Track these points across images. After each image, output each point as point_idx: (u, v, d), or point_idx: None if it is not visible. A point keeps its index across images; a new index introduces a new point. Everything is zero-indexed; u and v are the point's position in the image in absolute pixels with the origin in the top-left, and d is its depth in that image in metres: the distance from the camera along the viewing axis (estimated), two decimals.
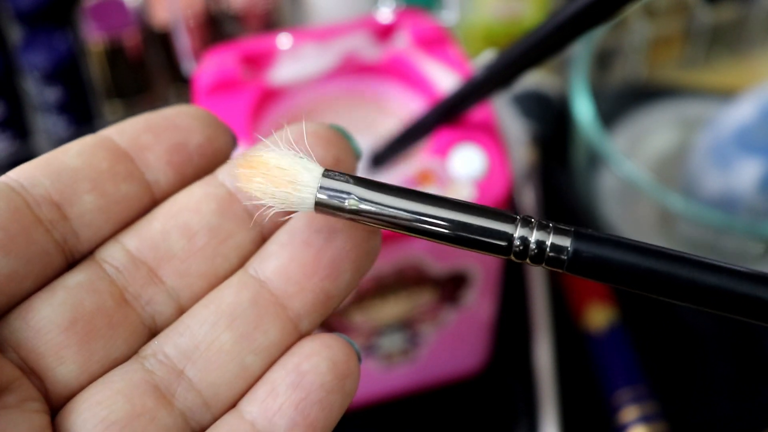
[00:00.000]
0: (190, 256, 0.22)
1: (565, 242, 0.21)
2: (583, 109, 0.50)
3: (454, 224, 0.21)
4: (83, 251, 0.22)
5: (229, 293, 0.22)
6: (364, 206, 0.21)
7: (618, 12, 0.29)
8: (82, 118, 0.52)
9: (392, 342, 0.42)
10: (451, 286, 0.41)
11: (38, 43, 0.49)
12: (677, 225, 0.51)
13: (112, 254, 0.22)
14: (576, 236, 0.21)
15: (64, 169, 0.22)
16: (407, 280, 0.39)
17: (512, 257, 0.21)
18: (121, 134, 0.23)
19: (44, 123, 0.53)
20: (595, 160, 0.52)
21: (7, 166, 0.53)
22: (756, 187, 0.49)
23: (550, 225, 0.21)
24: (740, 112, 0.51)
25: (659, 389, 0.45)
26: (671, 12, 0.59)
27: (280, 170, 0.21)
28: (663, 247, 0.21)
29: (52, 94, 0.50)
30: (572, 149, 0.55)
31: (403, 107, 0.42)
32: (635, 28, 0.58)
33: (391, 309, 0.40)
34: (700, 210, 0.47)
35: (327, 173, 0.22)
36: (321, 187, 0.21)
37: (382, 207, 0.22)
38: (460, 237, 0.21)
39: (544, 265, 0.21)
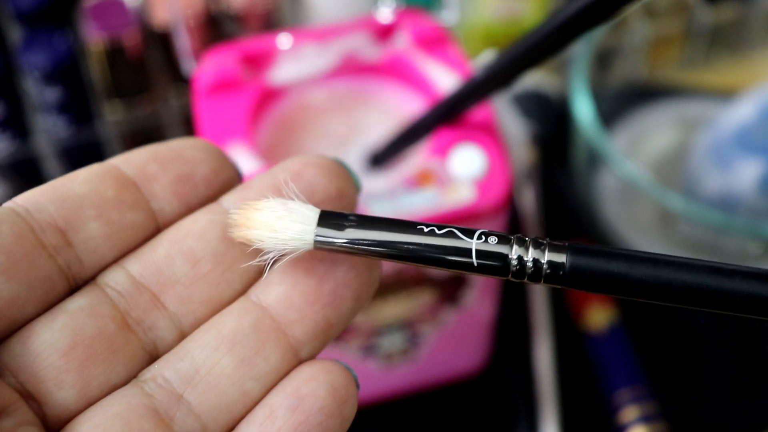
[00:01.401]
0: (193, 282, 0.22)
1: (561, 258, 0.22)
2: (583, 109, 0.50)
3: (449, 251, 0.22)
4: (86, 277, 0.22)
5: (230, 319, 0.22)
6: (360, 246, 0.22)
7: (618, 12, 0.29)
8: (82, 118, 0.52)
9: (392, 342, 0.42)
10: (451, 286, 0.41)
11: (38, 43, 0.49)
12: (677, 225, 0.51)
13: (115, 279, 0.22)
14: (571, 251, 0.22)
15: (70, 195, 0.22)
16: (407, 280, 0.39)
17: (510, 277, 0.22)
18: (128, 163, 0.23)
19: (44, 123, 0.53)
20: (595, 160, 0.52)
21: (7, 166, 0.53)
22: (756, 187, 0.49)
23: (545, 242, 0.22)
24: (740, 112, 0.51)
25: (659, 389, 0.45)
26: (671, 12, 0.59)
27: (276, 221, 0.22)
28: (657, 254, 0.22)
29: (52, 94, 0.50)
30: (572, 149, 0.55)
31: (403, 107, 0.42)
32: (635, 28, 0.58)
33: (391, 309, 0.40)
34: (700, 210, 0.47)
35: (323, 217, 0.22)
36: (318, 236, 0.22)
37: (379, 243, 0.22)
38: (457, 262, 0.22)
39: (542, 282, 0.22)
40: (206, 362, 0.21)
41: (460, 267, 0.22)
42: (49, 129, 0.52)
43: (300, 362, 0.22)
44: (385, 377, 0.44)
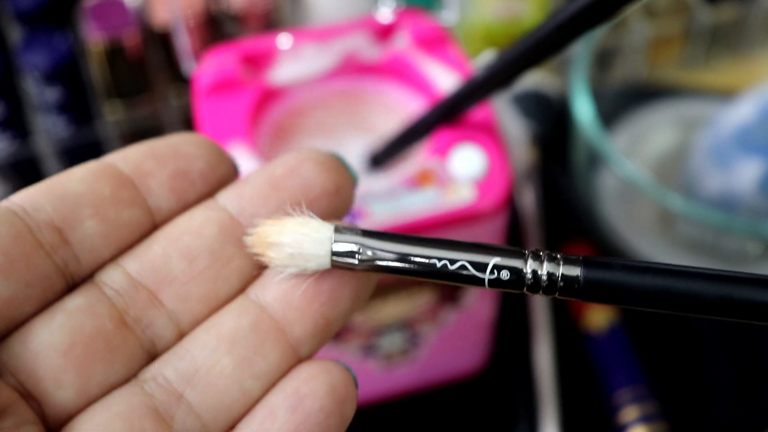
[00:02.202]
0: (190, 279, 0.22)
1: (575, 271, 0.22)
2: (583, 109, 0.50)
3: (464, 266, 0.22)
4: (84, 275, 0.22)
5: (229, 318, 0.22)
6: (377, 263, 0.22)
7: (618, 12, 0.29)
8: (82, 118, 0.52)
9: (392, 342, 0.42)
10: (451, 287, 0.41)
11: (38, 43, 0.49)
12: (677, 225, 0.51)
13: (112, 277, 0.22)
14: (585, 264, 0.22)
15: (67, 194, 0.22)
16: (407, 280, 0.39)
17: (525, 291, 0.22)
18: (125, 161, 0.23)
19: (44, 123, 0.53)
20: (595, 160, 0.52)
21: (7, 166, 0.53)
22: (756, 187, 0.49)
23: (559, 256, 0.22)
24: (740, 112, 0.51)
25: (659, 389, 0.45)
26: (671, 12, 0.59)
27: (293, 240, 0.22)
28: (671, 265, 0.22)
29: (52, 94, 0.50)
30: (572, 149, 0.55)
31: (403, 107, 0.42)
32: (635, 28, 0.58)
33: (391, 309, 0.40)
34: (700, 210, 0.47)
35: (337, 237, 0.22)
36: (334, 253, 0.22)
37: (397, 260, 0.22)
38: (472, 277, 0.22)
39: (557, 295, 0.22)
40: (206, 362, 0.21)
41: (475, 282, 0.22)
42: (49, 129, 0.52)
43: (299, 361, 0.22)
44: (385, 377, 0.44)
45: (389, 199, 0.36)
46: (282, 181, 0.23)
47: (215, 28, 0.52)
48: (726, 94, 0.58)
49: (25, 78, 0.51)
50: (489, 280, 0.22)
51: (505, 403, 0.47)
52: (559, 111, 0.56)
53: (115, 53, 0.49)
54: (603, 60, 0.56)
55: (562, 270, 0.22)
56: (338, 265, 0.22)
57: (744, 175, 0.50)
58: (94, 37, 0.49)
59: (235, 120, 0.38)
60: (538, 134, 0.55)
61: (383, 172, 0.40)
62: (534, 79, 0.57)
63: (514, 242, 0.50)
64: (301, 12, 0.54)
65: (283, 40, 0.42)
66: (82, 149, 0.53)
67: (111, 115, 0.52)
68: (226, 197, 0.23)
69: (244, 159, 0.37)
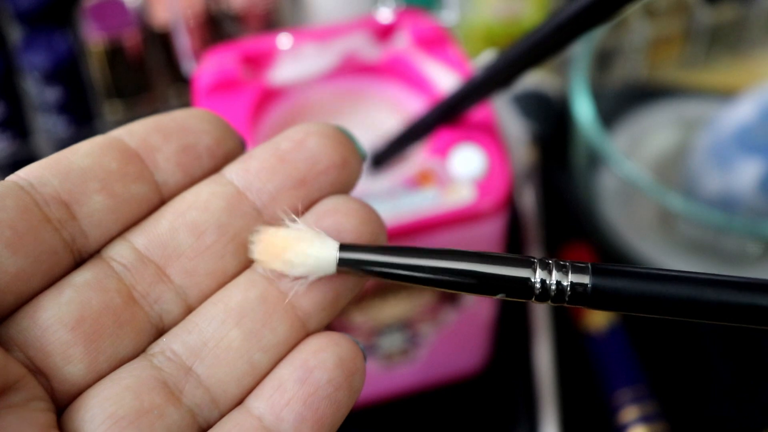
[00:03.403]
0: (198, 254, 0.22)
1: (584, 279, 0.22)
2: (583, 109, 0.50)
3: (473, 276, 0.22)
4: (91, 251, 0.22)
5: (237, 291, 0.22)
6: (381, 269, 0.22)
7: (618, 12, 0.29)
8: (82, 118, 0.52)
9: (392, 342, 0.42)
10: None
11: (38, 43, 0.49)
12: (677, 225, 0.51)
13: (120, 252, 0.22)
14: (593, 272, 0.22)
15: (74, 168, 0.22)
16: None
17: (533, 300, 0.22)
18: (131, 135, 0.23)
19: (44, 123, 0.53)
20: (595, 160, 0.52)
21: (7, 166, 0.53)
22: (756, 187, 0.49)
23: (567, 264, 0.22)
24: (740, 112, 0.51)
25: (659, 389, 0.45)
26: (671, 12, 0.59)
27: (297, 258, 0.22)
28: (680, 271, 0.22)
29: (52, 94, 0.50)
30: (572, 149, 0.55)
31: (403, 107, 0.42)
32: (635, 28, 0.58)
33: (391, 309, 0.40)
34: (700, 210, 0.47)
35: (342, 252, 0.22)
36: (340, 260, 0.22)
37: (401, 270, 0.22)
38: (481, 287, 0.22)
39: (566, 304, 0.22)
40: (214, 335, 0.21)
41: (483, 291, 0.22)
42: (49, 129, 0.52)
43: (308, 334, 0.22)
44: (385, 377, 0.44)
45: (389, 199, 0.36)
46: (288, 154, 0.23)
47: (215, 28, 0.52)
48: (726, 94, 0.58)
49: (25, 78, 0.51)
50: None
51: (505, 403, 0.47)
52: (559, 111, 0.56)
53: (115, 53, 0.49)
54: (603, 60, 0.56)
55: (571, 278, 0.22)
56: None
57: (744, 175, 0.50)
58: (94, 37, 0.49)
59: (235, 120, 0.38)
60: (538, 134, 0.55)
61: (383, 172, 0.40)
62: (534, 79, 0.57)
63: (514, 242, 0.50)
64: (301, 12, 0.54)
65: (283, 40, 0.42)
66: None
67: (111, 115, 0.52)
68: (233, 171, 0.23)
69: None
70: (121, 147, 0.22)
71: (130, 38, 0.49)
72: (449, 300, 0.41)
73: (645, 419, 0.44)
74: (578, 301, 0.22)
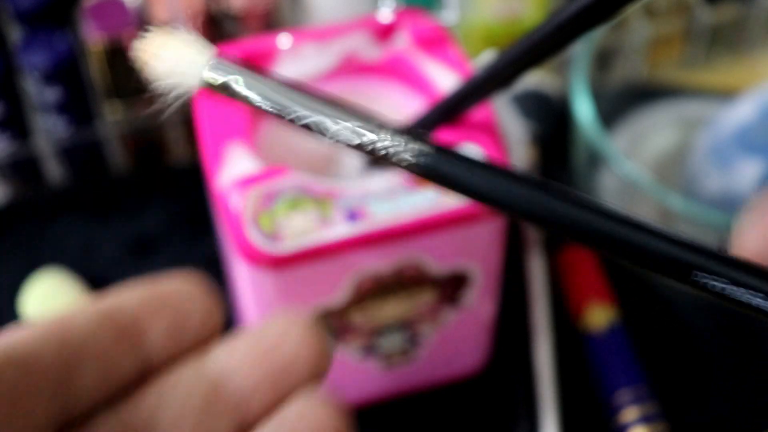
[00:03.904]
0: None
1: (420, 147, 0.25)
2: (583, 109, 0.50)
3: (329, 115, 0.26)
4: (77, 425, 0.22)
5: None
6: (247, 91, 0.25)
7: (618, 12, 0.29)
8: (82, 118, 0.52)
9: (392, 342, 0.42)
10: (451, 286, 0.41)
11: (38, 43, 0.49)
12: (677, 225, 0.51)
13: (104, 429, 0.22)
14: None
15: (70, 340, 0.21)
16: (407, 280, 0.39)
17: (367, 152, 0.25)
18: (123, 306, 0.23)
19: (44, 123, 0.53)
20: (595, 160, 0.52)
21: (7, 166, 0.53)
22: (756, 187, 0.49)
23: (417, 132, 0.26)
24: (740, 112, 0.51)
25: (659, 389, 0.45)
26: (671, 12, 0.59)
27: (175, 51, 0.24)
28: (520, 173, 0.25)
29: (52, 94, 0.50)
30: (572, 149, 0.55)
31: (403, 107, 0.42)
32: (635, 28, 0.58)
33: (391, 309, 0.40)
34: (700, 210, 0.47)
35: (216, 56, 0.24)
36: (210, 66, 0.25)
37: (267, 97, 0.25)
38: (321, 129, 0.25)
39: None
40: None
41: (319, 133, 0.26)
42: (49, 129, 0.53)
43: None
44: (385, 377, 0.44)
45: (389, 199, 0.36)
46: (269, 352, 0.23)
47: (215, 28, 0.52)
48: (726, 94, 0.58)
49: (25, 78, 0.51)
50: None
51: (505, 403, 0.47)
52: (559, 111, 0.56)
53: (115, 53, 0.49)
54: (603, 60, 0.56)
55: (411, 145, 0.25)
56: (212, 84, 0.24)
57: (744, 175, 0.50)
58: (94, 37, 0.49)
59: (235, 120, 0.38)
60: (538, 134, 0.55)
61: (383, 171, 0.40)
62: (534, 79, 0.57)
63: (514, 242, 0.50)
64: (301, 12, 0.54)
65: (283, 40, 0.42)
66: (82, 149, 0.53)
67: (111, 115, 0.52)
68: (218, 356, 0.23)
69: (244, 159, 0.37)
70: (115, 319, 0.22)
71: (130, 38, 0.49)
72: (449, 300, 0.41)
73: (645, 419, 0.44)
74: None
